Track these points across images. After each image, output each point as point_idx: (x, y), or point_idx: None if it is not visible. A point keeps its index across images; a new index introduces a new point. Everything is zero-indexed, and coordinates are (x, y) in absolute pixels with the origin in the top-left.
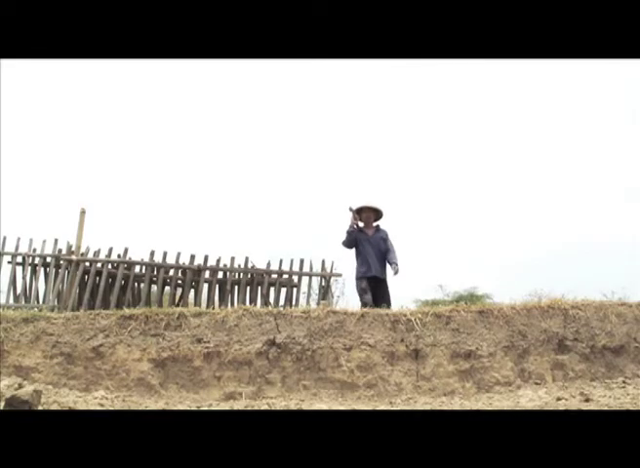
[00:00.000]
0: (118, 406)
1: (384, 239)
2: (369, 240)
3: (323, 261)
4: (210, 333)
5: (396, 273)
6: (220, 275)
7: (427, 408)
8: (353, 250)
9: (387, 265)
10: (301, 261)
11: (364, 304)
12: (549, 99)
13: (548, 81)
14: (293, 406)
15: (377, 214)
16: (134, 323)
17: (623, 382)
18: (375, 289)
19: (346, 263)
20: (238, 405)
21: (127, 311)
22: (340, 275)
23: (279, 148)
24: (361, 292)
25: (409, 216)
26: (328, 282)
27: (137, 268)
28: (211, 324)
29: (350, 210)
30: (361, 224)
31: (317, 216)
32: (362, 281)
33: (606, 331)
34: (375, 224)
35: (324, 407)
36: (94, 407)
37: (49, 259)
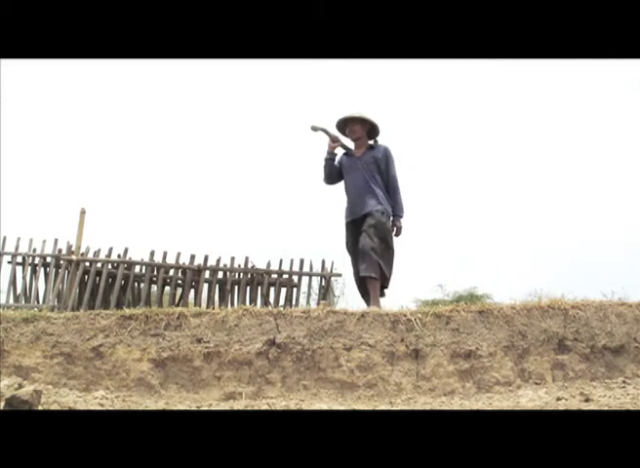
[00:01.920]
0: (118, 406)
1: (379, 160)
2: (355, 165)
3: (323, 261)
4: (210, 333)
5: (398, 233)
6: (220, 275)
7: (427, 408)
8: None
9: (384, 199)
10: (301, 261)
11: (355, 274)
12: (550, 100)
13: (549, 81)
14: (293, 406)
15: (366, 126)
16: (134, 323)
17: (623, 382)
18: (360, 235)
19: (347, 263)
20: (238, 405)
21: (127, 311)
22: (339, 275)
23: (279, 148)
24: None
25: (409, 216)
26: (328, 282)
27: (137, 268)
28: (211, 324)
29: (314, 129)
30: (352, 146)
31: (317, 216)
32: (346, 232)
33: (606, 331)
34: (370, 143)
35: (324, 407)
36: (94, 407)
37: (49, 259)
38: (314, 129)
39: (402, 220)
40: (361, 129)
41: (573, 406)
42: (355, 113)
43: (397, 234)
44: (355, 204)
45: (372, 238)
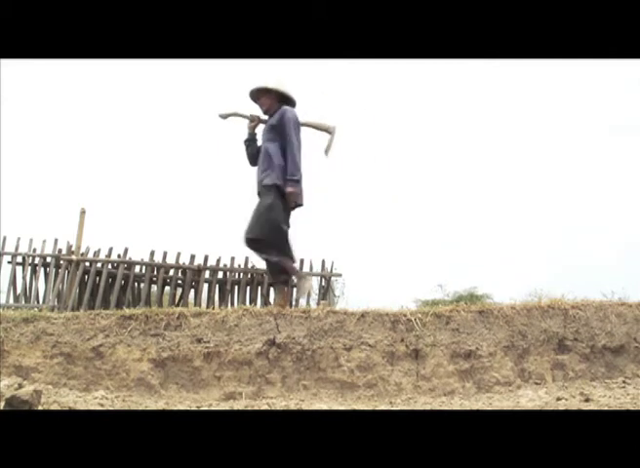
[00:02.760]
0: (118, 406)
1: (275, 126)
2: (262, 139)
3: (323, 261)
4: (210, 333)
5: (289, 199)
6: (220, 275)
7: (427, 408)
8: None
9: (278, 168)
10: (301, 261)
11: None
12: (550, 100)
13: (549, 81)
14: (293, 406)
15: (273, 95)
16: (134, 323)
17: (623, 382)
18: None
19: (347, 263)
20: (238, 405)
21: (127, 311)
22: (340, 275)
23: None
24: None
25: (408, 216)
26: (328, 282)
27: (137, 268)
28: (211, 324)
29: (224, 117)
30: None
31: (317, 217)
32: None
33: (606, 331)
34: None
35: (324, 407)
36: (94, 407)
37: (49, 259)
38: (223, 116)
39: (293, 185)
40: (267, 99)
41: (573, 406)
42: (259, 84)
43: (289, 202)
44: (257, 177)
45: (261, 223)
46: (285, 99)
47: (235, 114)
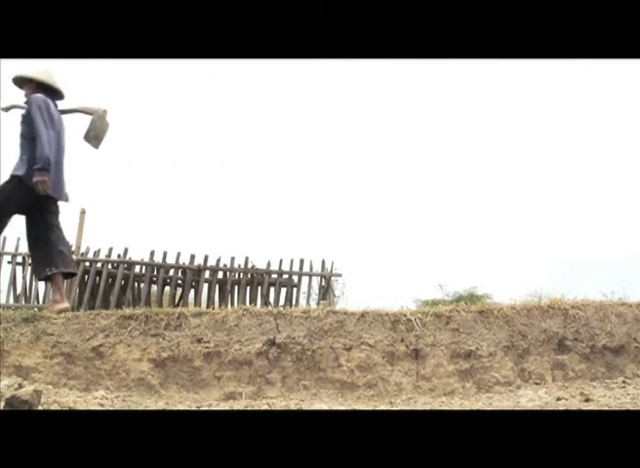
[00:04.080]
0: (118, 406)
1: (25, 117)
2: None
3: (323, 261)
4: (210, 333)
5: (39, 188)
6: (220, 275)
7: (427, 408)
8: None
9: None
10: (301, 261)
11: None
12: (552, 102)
13: (550, 81)
14: (293, 406)
15: (32, 84)
16: (134, 323)
17: (623, 382)
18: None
19: (346, 263)
20: (238, 405)
21: (127, 311)
22: (339, 275)
23: (278, 147)
24: None
25: (408, 216)
26: (328, 282)
27: (137, 268)
28: (211, 324)
29: (6, 110)
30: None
31: (317, 216)
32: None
33: (606, 331)
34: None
35: (324, 407)
36: (94, 407)
37: None
38: (5, 109)
39: (39, 174)
40: (28, 88)
41: (573, 406)
42: (17, 73)
43: (38, 191)
44: None
45: None
46: (51, 91)
47: (14, 106)
